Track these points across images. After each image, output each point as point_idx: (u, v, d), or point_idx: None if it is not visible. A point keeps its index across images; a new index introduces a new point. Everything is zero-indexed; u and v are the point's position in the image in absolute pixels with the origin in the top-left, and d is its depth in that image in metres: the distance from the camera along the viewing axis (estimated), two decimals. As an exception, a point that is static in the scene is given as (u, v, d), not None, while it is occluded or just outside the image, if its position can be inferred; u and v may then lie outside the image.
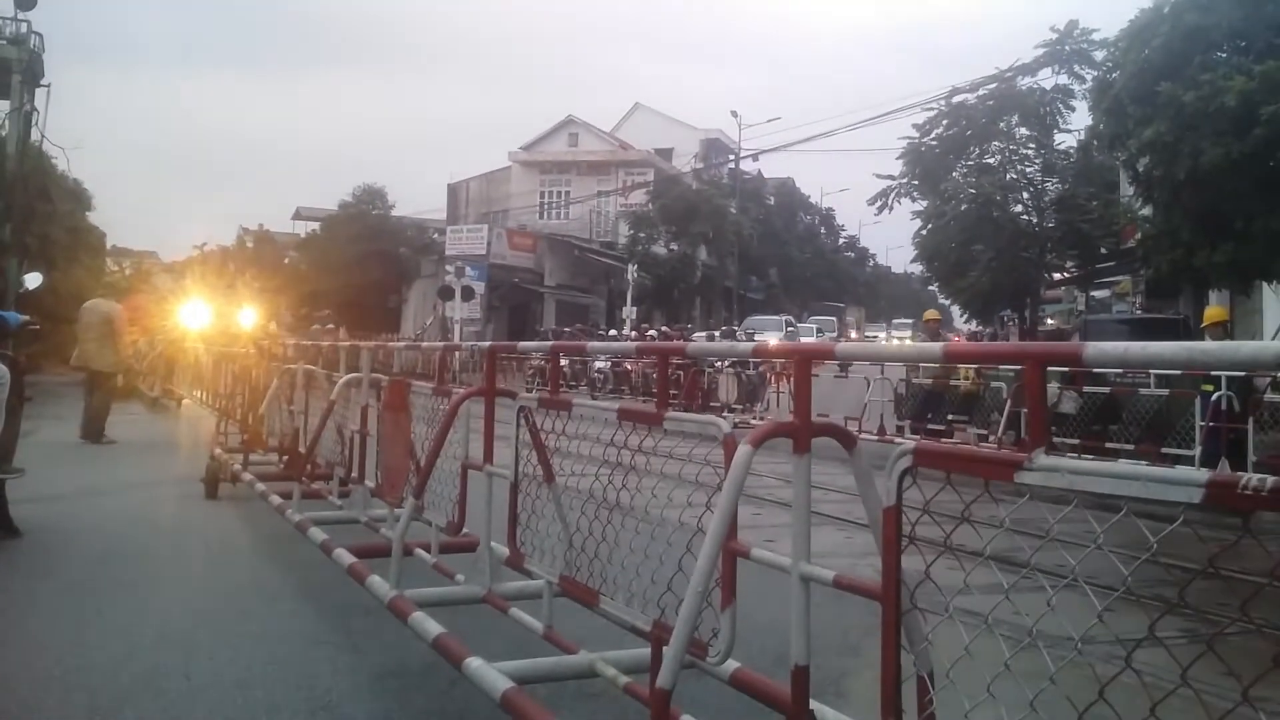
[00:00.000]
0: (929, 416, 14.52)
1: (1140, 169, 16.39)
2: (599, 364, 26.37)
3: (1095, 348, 2.00)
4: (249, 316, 26.47)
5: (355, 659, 4.88)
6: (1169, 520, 1.91)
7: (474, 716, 4.07)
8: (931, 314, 18.47)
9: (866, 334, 59.67)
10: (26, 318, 8.25)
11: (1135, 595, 2.08)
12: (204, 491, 9.51)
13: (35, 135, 31.18)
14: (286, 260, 43.25)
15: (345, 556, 5.51)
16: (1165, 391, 11.47)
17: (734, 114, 52.88)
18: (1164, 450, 11.23)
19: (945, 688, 2.39)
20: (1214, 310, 14.10)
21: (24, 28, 30.72)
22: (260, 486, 8.28)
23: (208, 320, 22.58)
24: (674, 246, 48.82)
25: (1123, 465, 1.99)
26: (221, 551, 7.43)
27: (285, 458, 8.56)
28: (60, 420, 15.90)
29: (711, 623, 2.94)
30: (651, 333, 34.04)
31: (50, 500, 8.76)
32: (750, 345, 3.78)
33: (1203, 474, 1.80)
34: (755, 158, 54.87)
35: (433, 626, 4.16)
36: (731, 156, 56.62)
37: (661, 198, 49.03)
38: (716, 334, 35.14)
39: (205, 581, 6.48)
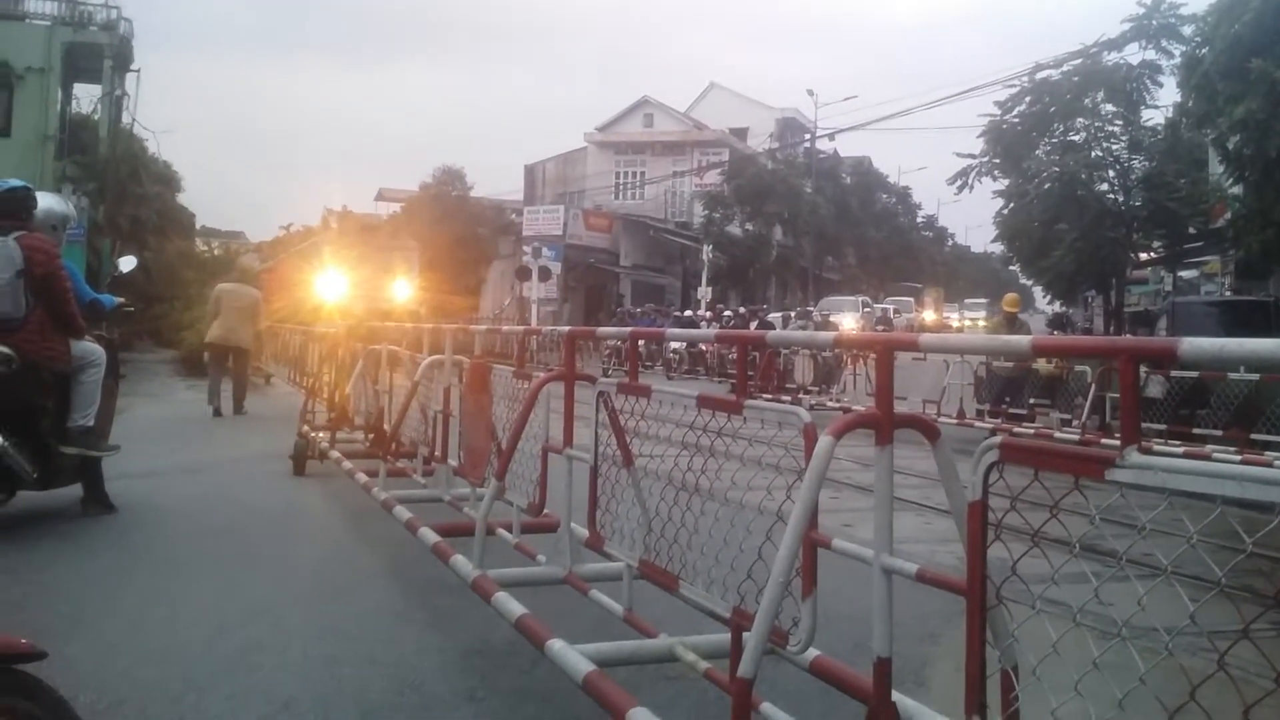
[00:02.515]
0: (1008, 401, 14.27)
1: (1231, 147, 15.96)
2: (674, 344, 26.40)
3: (1191, 345, 1.97)
4: (403, 289, 23.51)
5: (440, 637, 4.98)
6: (1260, 508, 1.87)
7: (556, 697, 4.13)
8: (1011, 301, 16.83)
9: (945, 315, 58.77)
10: (122, 300, 8.49)
11: (1226, 587, 2.06)
12: (292, 468, 9.75)
13: (126, 119, 32.06)
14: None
15: (429, 535, 5.61)
16: (1256, 376, 11.15)
17: (810, 93, 52.66)
18: (1253, 436, 10.93)
19: (1030, 684, 2.38)
20: None
21: (114, 13, 31.51)
22: (347, 464, 8.47)
23: (345, 293, 20.19)
24: (749, 226, 48.63)
25: (1217, 465, 1.95)
26: (309, 528, 7.61)
27: (371, 436, 8.73)
28: (153, 398, 16.41)
29: (791, 611, 2.95)
30: (727, 313, 33.93)
31: (143, 477, 9.03)
32: (831, 335, 3.77)
33: (1301, 475, 1.77)
34: (831, 137, 54.34)
35: (515, 607, 4.23)
36: (807, 136, 56.16)
37: (736, 178, 48.84)
38: (792, 314, 34.93)
39: (294, 558, 6.65)
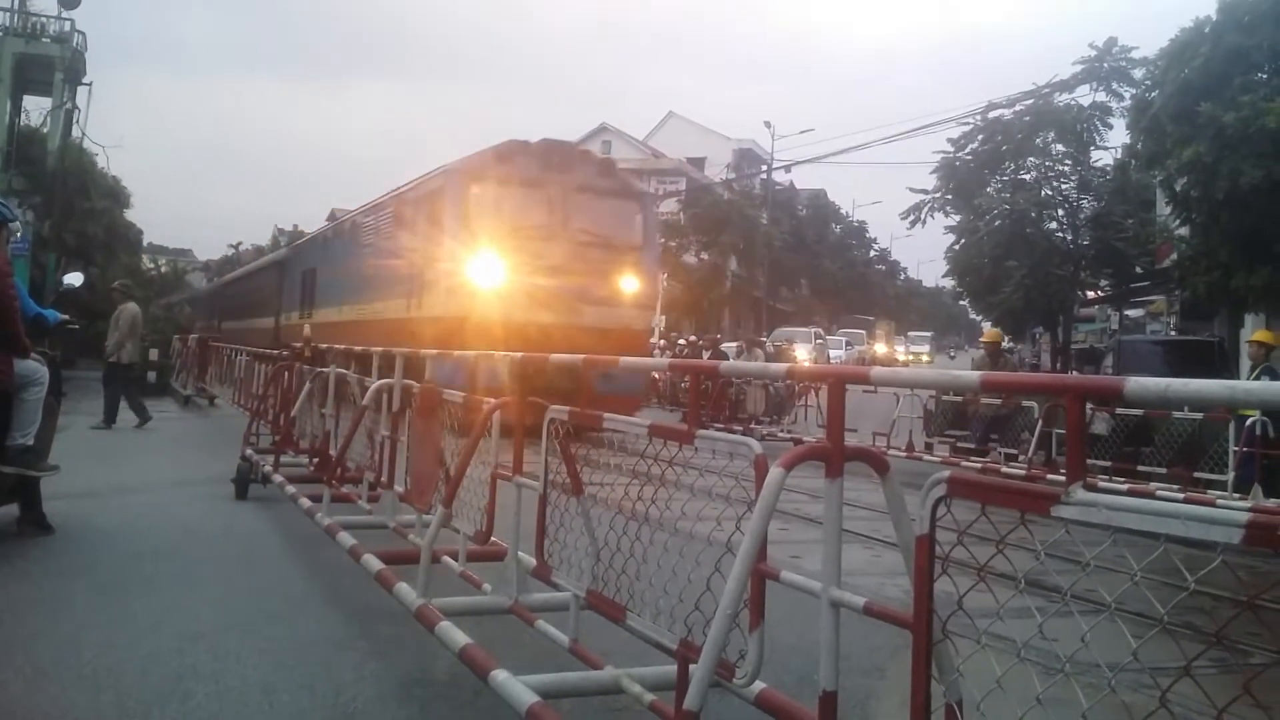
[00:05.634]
0: (957, 435, 14.39)
1: (1178, 189, 16.27)
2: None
3: (1137, 384, 1.99)
4: (631, 284, 15.07)
5: (381, 666, 4.90)
6: (1202, 546, 1.89)
7: (498, 728, 4.07)
8: (991, 335, 18.27)
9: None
10: (65, 317, 8.33)
11: (1168, 624, 2.07)
12: (234, 491, 9.58)
13: (76, 133, 31.63)
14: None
15: (373, 562, 5.53)
16: (1199, 415, 11.34)
17: (767, 124, 52.69)
18: (1196, 475, 11.09)
19: (975, 719, 2.37)
20: (1263, 333, 13.56)
21: (67, 26, 31.13)
22: (290, 489, 8.34)
23: (502, 283, 13.06)
24: (704, 256, 48.82)
25: (1161, 503, 1.97)
26: (250, 553, 7.47)
27: (315, 460, 8.60)
28: (95, 417, 16.08)
29: (738, 643, 2.93)
30: (681, 341, 33.96)
31: (81, 497, 8.84)
32: (784, 366, 3.78)
33: (1242, 515, 1.78)
34: (788, 168, 54.73)
35: (459, 637, 4.17)
36: (764, 167, 56.55)
37: (693, 207, 49.07)
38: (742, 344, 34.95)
39: (234, 583, 6.52)
